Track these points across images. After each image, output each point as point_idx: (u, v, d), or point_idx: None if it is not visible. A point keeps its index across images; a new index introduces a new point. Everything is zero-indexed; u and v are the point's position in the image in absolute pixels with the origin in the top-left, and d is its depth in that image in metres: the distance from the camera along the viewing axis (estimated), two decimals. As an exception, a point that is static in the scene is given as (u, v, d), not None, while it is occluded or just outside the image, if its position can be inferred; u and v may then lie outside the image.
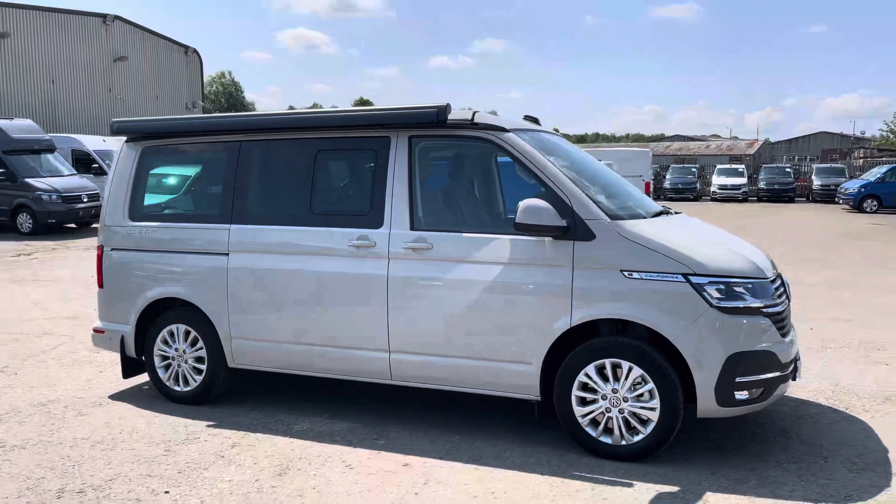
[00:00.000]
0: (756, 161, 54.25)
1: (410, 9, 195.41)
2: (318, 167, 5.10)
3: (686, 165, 42.80)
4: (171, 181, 6.49)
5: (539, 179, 4.55)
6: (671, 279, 4.22)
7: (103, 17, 30.19)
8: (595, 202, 4.46)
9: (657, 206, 5.33)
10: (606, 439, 4.39)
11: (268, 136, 5.30)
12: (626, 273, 4.29)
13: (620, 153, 29.22)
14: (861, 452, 4.48)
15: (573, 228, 4.38)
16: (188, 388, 5.50)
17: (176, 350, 5.53)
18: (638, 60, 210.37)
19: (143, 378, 5.89)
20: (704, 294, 4.17)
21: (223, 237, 5.29)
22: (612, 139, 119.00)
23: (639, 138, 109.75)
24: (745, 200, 37.77)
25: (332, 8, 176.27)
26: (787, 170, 39.46)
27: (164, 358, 5.58)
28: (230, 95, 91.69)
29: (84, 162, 21.80)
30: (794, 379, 4.58)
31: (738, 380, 4.17)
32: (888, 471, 4.22)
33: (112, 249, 5.71)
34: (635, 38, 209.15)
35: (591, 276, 4.36)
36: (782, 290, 4.64)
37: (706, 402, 4.20)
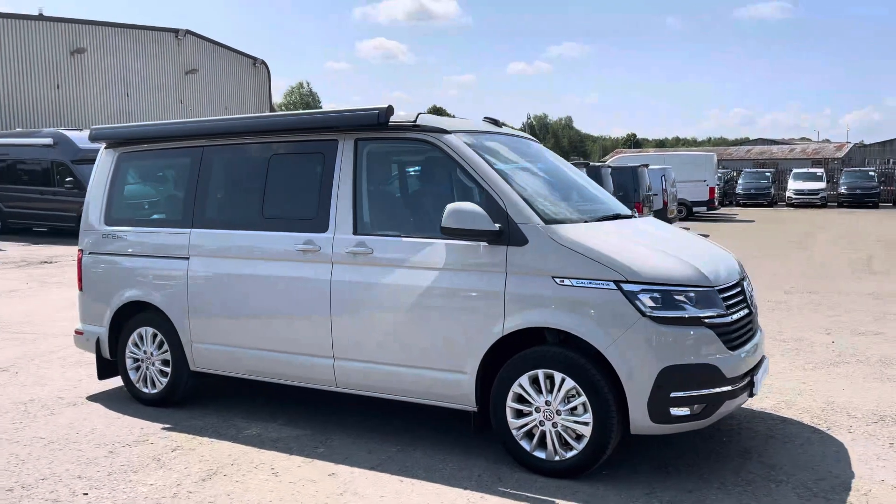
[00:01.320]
0: (845, 165, 51.58)
1: (487, 15, 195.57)
2: (270, 171, 5.10)
3: (760, 170, 41.19)
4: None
5: (476, 182, 4.39)
6: (602, 286, 3.98)
7: (175, 31, 31.49)
8: (531, 205, 4.26)
9: (619, 209, 5.07)
10: (541, 454, 4.18)
11: (226, 140, 5.33)
12: (557, 279, 4.08)
13: (681, 157, 28.37)
14: (822, 477, 4.11)
15: (506, 233, 4.21)
16: (155, 391, 5.58)
17: (144, 352, 5.62)
18: (723, 62, 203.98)
19: (122, 380, 6.01)
20: (637, 302, 3.92)
21: (184, 241, 5.35)
22: (692, 143, 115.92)
23: (721, 142, 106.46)
24: (823, 206, 36.04)
25: (410, 17, 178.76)
26: (871, 173, 37.41)
27: (135, 360, 5.68)
28: (307, 106, 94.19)
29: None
30: (751, 395, 4.26)
31: (672, 395, 3.89)
32: (843, 499, 3.85)
33: (89, 253, 5.87)
34: (720, 40, 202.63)
35: (523, 282, 4.17)
36: (740, 299, 4.31)
37: (639, 418, 3.94)
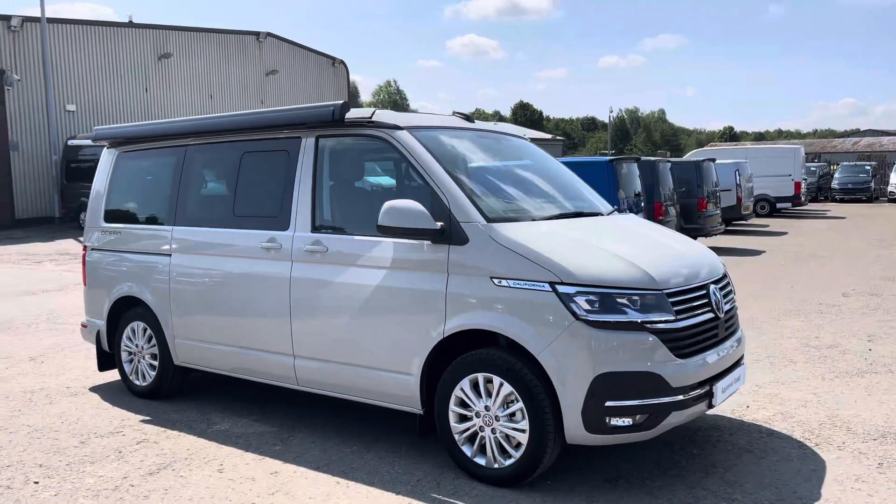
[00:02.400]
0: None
1: (579, 9, 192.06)
2: (241, 170, 5.14)
3: (859, 163, 38.63)
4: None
5: (423, 180, 4.28)
6: (537, 288, 3.79)
7: (257, 34, 32.52)
8: (475, 203, 4.11)
9: (588, 207, 4.83)
10: (481, 460, 4.03)
11: (204, 140, 5.42)
12: (495, 280, 3.92)
13: (764, 151, 27.01)
14: (782, 498, 3.78)
15: (448, 231, 4.07)
16: (145, 384, 5.75)
17: (136, 346, 5.79)
18: (829, 51, 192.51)
19: (123, 372, 6.20)
20: (572, 305, 3.70)
21: (167, 238, 5.48)
22: (796, 136, 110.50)
23: (828, 134, 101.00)
24: (930, 201, 33.51)
25: (501, 13, 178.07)
26: (985, 166, 34.47)
27: (129, 353, 5.87)
28: (395, 104, 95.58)
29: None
30: (709, 406, 3.96)
31: (608, 404, 3.67)
32: (794, 523, 3.52)
33: (92, 249, 6.11)
34: (825, 28, 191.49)
35: (463, 282, 4.03)
36: (702, 304, 4.02)
37: (573, 428, 3.73)
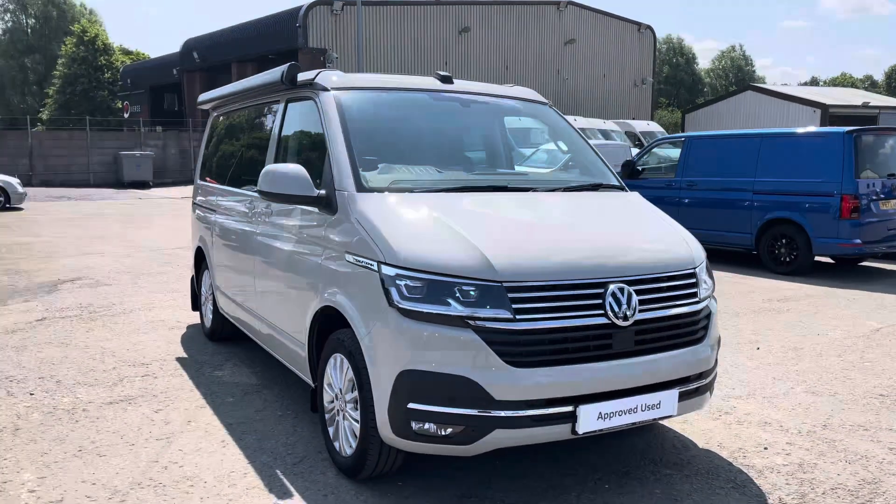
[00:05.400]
0: None
1: None
2: (252, 133, 5.37)
3: None
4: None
5: (326, 144, 4.04)
6: (369, 267, 3.38)
7: (557, 3, 32.54)
8: (355, 172, 3.76)
9: (525, 182, 4.10)
10: (336, 444, 3.77)
11: (234, 105, 5.75)
12: (348, 255, 3.58)
13: None
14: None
15: (325, 199, 3.82)
16: (208, 326, 6.37)
17: (205, 292, 6.43)
18: None
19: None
20: (391, 290, 3.23)
21: (214, 197, 5.96)
22: None
23: None
24: None
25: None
26: None
27: (204, 297, 6.53)
28: (738, 69, 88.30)
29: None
30: (574, 433, 3.18)
31: (410, 406, 3.15)
32: None
33: (193, 202, 6.88)
34: None
35: (331, 255, 3.75)
36: (587, 304, 3.21)
37: (383, 427, 3.27)
